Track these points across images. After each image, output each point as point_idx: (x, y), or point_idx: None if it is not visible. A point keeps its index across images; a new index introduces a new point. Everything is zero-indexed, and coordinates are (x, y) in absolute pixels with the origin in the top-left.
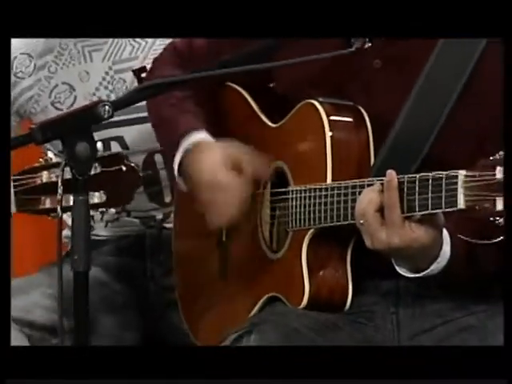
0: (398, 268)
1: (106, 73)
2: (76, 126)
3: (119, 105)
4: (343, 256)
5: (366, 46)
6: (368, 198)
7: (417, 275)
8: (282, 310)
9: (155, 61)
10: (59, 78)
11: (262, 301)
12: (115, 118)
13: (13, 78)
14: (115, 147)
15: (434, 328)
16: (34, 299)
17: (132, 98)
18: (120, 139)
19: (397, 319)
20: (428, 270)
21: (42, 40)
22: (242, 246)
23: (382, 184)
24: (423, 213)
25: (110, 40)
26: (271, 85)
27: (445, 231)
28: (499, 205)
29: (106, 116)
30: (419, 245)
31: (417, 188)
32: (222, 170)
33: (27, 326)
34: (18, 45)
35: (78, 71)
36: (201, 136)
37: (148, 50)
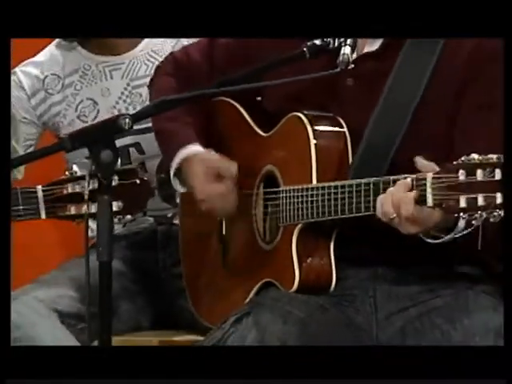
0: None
1: (125, 88)
2: (100, 135)
3: (138, 117)
4: (327, 247)
5: (350, 66)
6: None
7: (436, 241)
8: (276, 295)
9: (157, 69)
10: (84, 94)
11: (257, 286)
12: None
13: (43, 94)
14: (133, 153)
15: (406, 309)
16: (60, 292)
17: (149, 112)
18: (137, 145)
19: (374, 302)
20: (443, 239)
21: (68, 62)
22: (240, 238)
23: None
24: None
25: (127, 60)
26: (259, 98)
27: None
28: (462, 203)
29: (126, 127)
30: (433, 224)
31: (391, 188)
32: (207, 185)
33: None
34: (48, 66)
35: (100, 88)
36: (192, 149)
37: None
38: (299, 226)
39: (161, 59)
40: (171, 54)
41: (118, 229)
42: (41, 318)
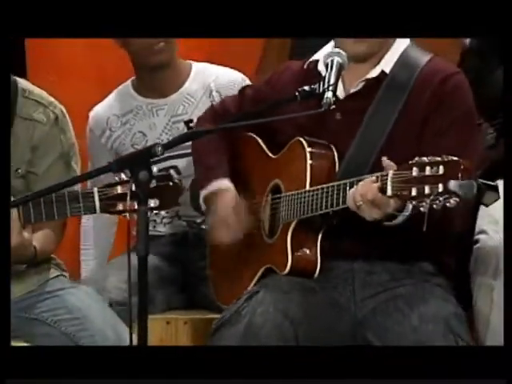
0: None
1: (167, 123)
2: (139, 160)
3: (168, 146)
4: (315, 241)
5: (332, 107)
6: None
7: (389, 223)
8: (278, 280)
9: (203, 114)
10: (136, 128)
11: (261, 270)
12: (172, 153)
13: (108, 132)
14: (173, 173)
15: (377, 294)
16: (112, 283)
17: (177, 141)
18: (176, 168)
19: (353, 288)
20: (395, 221)
21: (125, 105)
22: (251, 235)
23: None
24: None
25: (169, 102)
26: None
27: None
28: (413, 192)
29: (159, 154)
30: (391, 210)
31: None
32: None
33: (108, 300)
34: (110, 109)
35: (148, 123)
36: (217, 184)
37: (194, 107)
38: (293, 223)
39: (194, 101)
40: (212, 105)
41: (159, 228)
42: (95, 302)
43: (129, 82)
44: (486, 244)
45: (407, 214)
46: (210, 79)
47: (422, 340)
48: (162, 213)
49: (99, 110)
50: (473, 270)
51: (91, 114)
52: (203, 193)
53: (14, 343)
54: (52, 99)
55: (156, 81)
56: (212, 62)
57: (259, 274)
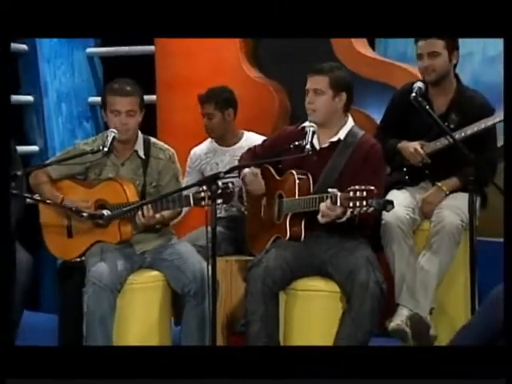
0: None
1: (229, 160)
2: (212, 180)
3: (226, 172)
4: (300, 223)
5: (310, 153)
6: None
7: (338, 221)
8: (283, 242)
9: (243, 153)
10: (213, 161)
11: (273, 237)
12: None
13: (199, 160)
14: (231, 185)
15: (332, 247)
16: (197, 239)
17: (230, 170)
18: (233, 182)
19: (320, 245)
20: (340, 220)
21: (209, 147)
22: (268, 217)
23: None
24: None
25: (232, 149)
26: (280, 166)
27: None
28: (351, 204)
29: (221, 176)
30: (338, 215)
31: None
32: (253, 177)
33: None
34: (201, 150)
35: (220, 159)
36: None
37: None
38: (290, 214)
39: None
40: (249, 149)
41: (221, 213)
42: (190, 250)
43: None
44: (385, 220)
45: (345, 217)
46: (254, 141)
47: (355, 268)
48: (223, 205)
49: (197, 148)
50: (381, 234)
51: (192, 150)
52: (241, 178)
53: (152, 273)
54: (168, 147)
55: (224, 139)
56: (245, 127)
57: (272, 239)
